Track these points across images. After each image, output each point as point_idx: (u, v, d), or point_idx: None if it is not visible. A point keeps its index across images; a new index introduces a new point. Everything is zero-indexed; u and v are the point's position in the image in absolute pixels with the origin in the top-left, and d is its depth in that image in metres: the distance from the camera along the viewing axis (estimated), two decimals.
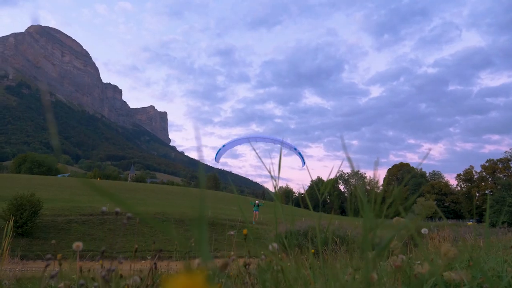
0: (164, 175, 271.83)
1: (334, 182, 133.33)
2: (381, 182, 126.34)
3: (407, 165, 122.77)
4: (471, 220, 78.65)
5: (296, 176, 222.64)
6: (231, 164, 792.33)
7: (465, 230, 30.19)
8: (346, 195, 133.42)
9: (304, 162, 10.04)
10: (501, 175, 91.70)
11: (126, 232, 42.22)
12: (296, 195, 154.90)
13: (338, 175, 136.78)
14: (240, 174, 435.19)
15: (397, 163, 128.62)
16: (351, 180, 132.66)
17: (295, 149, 12.47)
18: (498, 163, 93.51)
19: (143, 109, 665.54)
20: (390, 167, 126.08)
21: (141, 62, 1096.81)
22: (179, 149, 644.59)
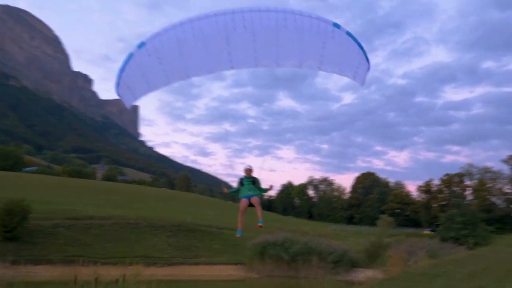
0: (133, 171, 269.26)
1: (304, 187, 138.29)
2: (348, 189, 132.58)
3: (373, 174, 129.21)
4: (428, 229, 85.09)
5: (265, 177, 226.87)
6: (201, 162, 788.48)
7: (421, 244, 34.70)
8: (315, 200, 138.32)
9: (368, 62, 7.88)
10: (456, 188, 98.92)
11: (112, 238, 44.08)
12: (267, 198, 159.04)
13: (308, 180, 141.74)
14: (209, 173, 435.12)
15: (365, 171, 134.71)
16: (321, 186, 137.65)
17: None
18: (454, 177, 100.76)
19: (114, 101, 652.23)
20: (358, 175, 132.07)
21: (114, 53, 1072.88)
22: (149, 144, 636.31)
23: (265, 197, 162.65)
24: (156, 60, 7.64)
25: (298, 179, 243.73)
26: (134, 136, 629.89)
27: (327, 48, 7.71)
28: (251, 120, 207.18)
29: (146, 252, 40.87)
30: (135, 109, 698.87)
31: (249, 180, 9.66)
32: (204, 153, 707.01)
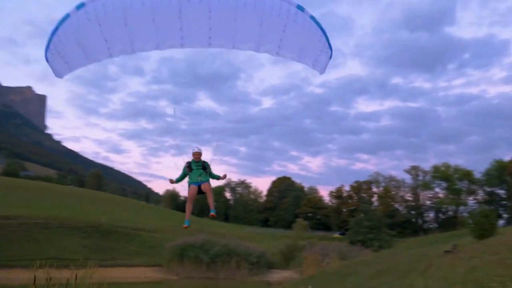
0: (37, 166, 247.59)
1: (221, 189, 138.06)
2: (264, 192, 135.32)
3: (289, 178, 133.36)
4: (337, 233, 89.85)
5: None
6: (113, 160, 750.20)
7: (333, 247, 36.47)
8: (231, 202, 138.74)
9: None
10: (364, 195, 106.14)
11: (20, 239, 40.03)
12: (183, 198, 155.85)
13: (225, 183, 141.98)
14: (122, 171, 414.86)
15: (281, 175, 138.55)
16: (238, 188, 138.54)
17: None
18: (363, 184, 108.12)
19: (19, 89, 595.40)
20: (275, 179, 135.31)
21: (21, 36, 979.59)
22: (56, 137, 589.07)
23: (181, 197, 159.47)
24: (97, 27, 6.53)
25: (215, 181, 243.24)
26: (39, 128, 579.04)
27: (287, 32, 7.12)
28: (169, 119, 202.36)
29: (58, 254, 37.75)
30: (42, 99, 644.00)
31: (198, 165, 8.77)
32: (117, 150, 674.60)
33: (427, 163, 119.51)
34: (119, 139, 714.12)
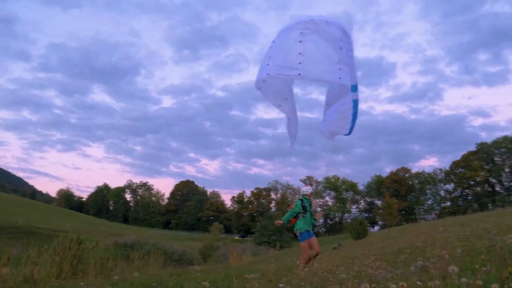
0: None
1: (121, 190, 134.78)
2: (167, 195, 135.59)
3: (192, 182, 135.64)
4: (237, 235, 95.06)
5: (71, 176, 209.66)
6: None
7: (244, 246, 40.95)
8: (131, 204, 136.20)
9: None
10: (263, 201, 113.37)
11: None
12: (76, 198, 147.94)
13: (126, 184, 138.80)
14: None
15: (179, 177, 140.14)
16: (139, 190, 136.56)
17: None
18: (263, 191, 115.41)
19: None
20: (178, 182, 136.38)
21: None
22: None
23: (75, 198, 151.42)
24: None
25: (107, 180, 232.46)
26: None
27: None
28: (57, 111, 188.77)
29: None
30: None
31: (310, 205, 7.46)
32: None
33: (319, 171, 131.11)
34: None
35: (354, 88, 5.80)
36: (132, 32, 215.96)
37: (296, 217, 7.37)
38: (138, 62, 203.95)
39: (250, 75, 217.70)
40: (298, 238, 7.42)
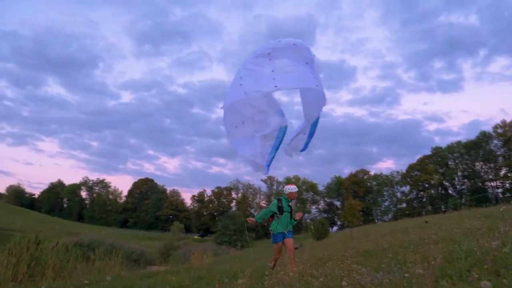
0: None
1: (77, 187, 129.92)
2: (125, 193, 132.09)
3: (152, 180, 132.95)
4: (197, 234, 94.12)
5: (22, 172, 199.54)
6: None
7: (204, 246, 40.54)
8: (87, 202, 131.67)
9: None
10: (224, 200, 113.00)
11: None
12: (28, 195, 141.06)
13: (82, 181, 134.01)
14: None
15: (137, 174, 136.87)
16: (96, 187, 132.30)
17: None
18: (224, 190, 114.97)
19: None
20: (136, 180, 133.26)
21: None
22: None
23: (27, 194, 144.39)
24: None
25: (61, 176, 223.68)
26: None
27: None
28: (7, 102, 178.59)
29: None
30: None
31: (289, 206, 7.16)
32: None
33: (280, 171, 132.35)
34: None
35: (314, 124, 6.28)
36: (90, 23, 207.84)
37: (272, 216, 7.14)
38: (96, 55, 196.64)
39: (213, 73, 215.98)
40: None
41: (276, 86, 5.33)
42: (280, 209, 6.91)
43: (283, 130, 6.31)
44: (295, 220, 7.13)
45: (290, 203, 7.18)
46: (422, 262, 3.82)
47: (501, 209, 5.02)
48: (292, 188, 7.25)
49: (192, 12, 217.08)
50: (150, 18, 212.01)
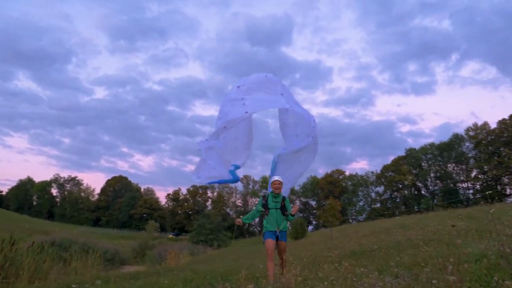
0: None
1: (47, 185, 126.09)
2: (97, 191, 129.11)
3: (126, 178, 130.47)
4: (172, 233, 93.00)
5: None
6: None
7: (180, 245, 39.95)
8: (58, 199, 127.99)
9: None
10: (200, 199, 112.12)
11: None
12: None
13: (53, 178, 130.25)
14: None
15: (109, 172, 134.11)
16: (67, 185, 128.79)
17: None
18: (199, 189, 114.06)
19: None
20: (110, 178, 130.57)
21: None
22: None
23: None
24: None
25: (30, 173, 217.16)
26: None
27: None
28: None
29: None
30: None
31: (277, 201, 6.39)
32: None
33: (255, 170, 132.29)
34: None
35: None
36: (63, 16, 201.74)
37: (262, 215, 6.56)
38: (69, 50, 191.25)
39: (189, 70, 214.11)
40: None
41: (246, 112, 5.86)
42: (265, 206, 6.31)
43: (232, 180, 6.90)
44: (291, 216, 6.43)
45: (278, 199, 6.40)
46: (435, 266, 3.68)
47: (491, 211, 4.96)
48: (272, 178, 6.56)
49: (169, 8, 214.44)
50: (126, 13, 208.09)
